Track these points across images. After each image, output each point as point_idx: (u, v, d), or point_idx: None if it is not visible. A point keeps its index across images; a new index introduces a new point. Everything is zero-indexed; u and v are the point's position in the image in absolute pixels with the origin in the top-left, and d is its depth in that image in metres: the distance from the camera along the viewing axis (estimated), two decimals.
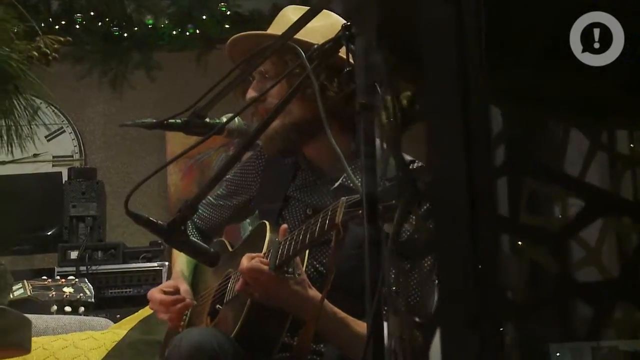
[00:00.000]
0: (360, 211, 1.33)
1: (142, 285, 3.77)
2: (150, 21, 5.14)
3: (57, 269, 3.68)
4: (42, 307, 2.44)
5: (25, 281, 2.33)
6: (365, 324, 1.68)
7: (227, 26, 5.35)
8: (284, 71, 1.73)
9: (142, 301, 3.65)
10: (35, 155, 5.13)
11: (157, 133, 5.24)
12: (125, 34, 5.09)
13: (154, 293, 1.94)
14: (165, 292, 1.93)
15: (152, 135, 5.16)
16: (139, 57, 5.02)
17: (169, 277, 3.82)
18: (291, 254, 1.55)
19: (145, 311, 3.05)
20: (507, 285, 0.78)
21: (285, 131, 1.76)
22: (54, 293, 2.32)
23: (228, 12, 5.23)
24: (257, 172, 2.02)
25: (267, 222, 1.76)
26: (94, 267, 3.63)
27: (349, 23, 1.33)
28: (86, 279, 2.36)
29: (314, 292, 1.62)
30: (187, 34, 5.30)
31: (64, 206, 3.80)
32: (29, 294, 2.28)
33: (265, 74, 1.78)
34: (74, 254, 3.66)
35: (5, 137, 0.96)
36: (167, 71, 5.18)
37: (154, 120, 1.69)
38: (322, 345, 1.72)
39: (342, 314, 1.65)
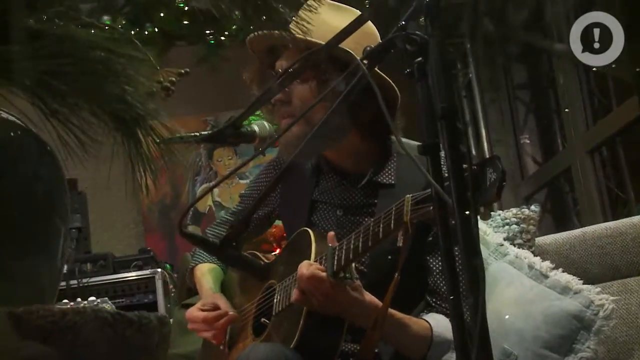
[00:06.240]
0: (431, 207, 1.31)
1: (134, 295, 3.69)
2: (108, 22, 4.99)
3: None
4: None
5: None
6: (422, 323, 1.67)
7: (185, 22, 5.26)
8: (313, 73, 1.70)
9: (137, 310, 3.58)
10: None
11: None
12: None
13: (194, 311, 1.88)
14: (203, 310, 1.88)
15: None
16: None
17: (164, 285, 3.75)
18: (351, 258, 1.52)
19: None
20: None
21: (305, 137, 1.71)
22: None
23: (186, 8, 5.14)
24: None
25: (309, 230, 1.72)
26: (84, 280, 3.53)
27: (404, 23, 1.30)
28: (107, 299, 2.29)
29: (369, 297, 1.60)
30: (146, 32, 5.18)
31: None
32: None
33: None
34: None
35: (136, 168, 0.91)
36: None
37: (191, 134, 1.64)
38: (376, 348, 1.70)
39: (398, 314, 1.63)
